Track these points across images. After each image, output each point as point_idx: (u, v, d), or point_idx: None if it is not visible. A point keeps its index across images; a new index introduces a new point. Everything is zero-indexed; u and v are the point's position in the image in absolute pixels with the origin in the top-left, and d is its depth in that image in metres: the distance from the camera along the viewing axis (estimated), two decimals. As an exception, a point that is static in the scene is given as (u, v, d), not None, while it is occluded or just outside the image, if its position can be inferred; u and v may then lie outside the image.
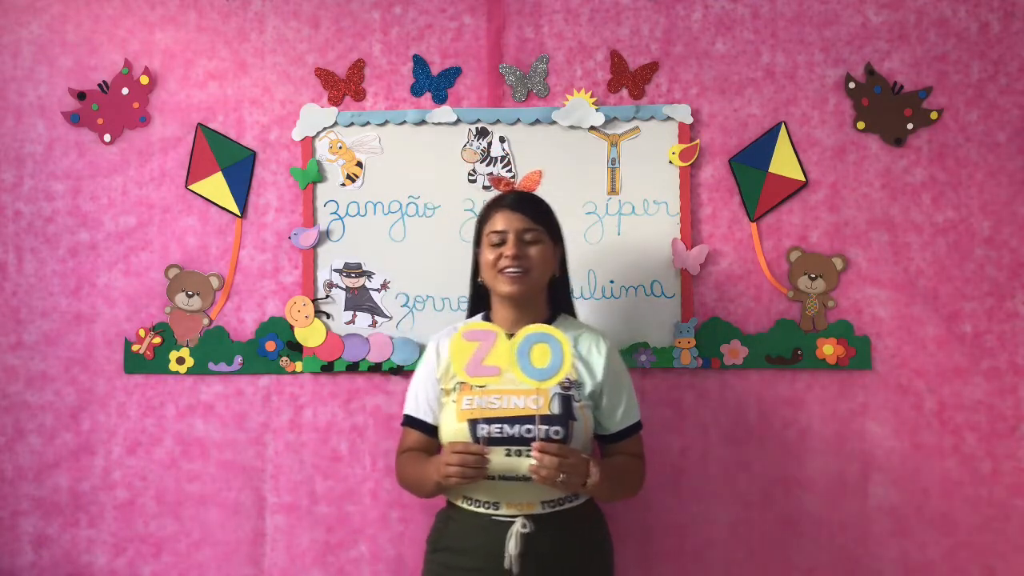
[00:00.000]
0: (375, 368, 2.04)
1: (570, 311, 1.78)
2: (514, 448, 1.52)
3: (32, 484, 2.07)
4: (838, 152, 2.03)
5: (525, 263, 1.61)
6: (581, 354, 1.65)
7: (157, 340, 2.06)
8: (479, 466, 1.48)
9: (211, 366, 2.05)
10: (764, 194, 2.03)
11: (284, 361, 2.05)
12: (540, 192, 2.04)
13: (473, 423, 1.54)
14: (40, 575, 2.06)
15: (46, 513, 2.06)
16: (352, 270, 2.07)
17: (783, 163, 2.02)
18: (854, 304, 2.01)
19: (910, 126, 2.01)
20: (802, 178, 2.02)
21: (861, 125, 2.02)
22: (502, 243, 1.63)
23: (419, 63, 2.07)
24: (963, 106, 2.01)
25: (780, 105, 2.04)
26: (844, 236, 2.01)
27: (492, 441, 1.52)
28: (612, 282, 2.04)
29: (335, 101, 2.08)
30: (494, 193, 2.06)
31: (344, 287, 2.07)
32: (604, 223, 2.05)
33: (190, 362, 2.05)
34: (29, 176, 2.10)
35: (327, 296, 2.06)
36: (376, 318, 2.06)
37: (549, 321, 1.67)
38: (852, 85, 2.02)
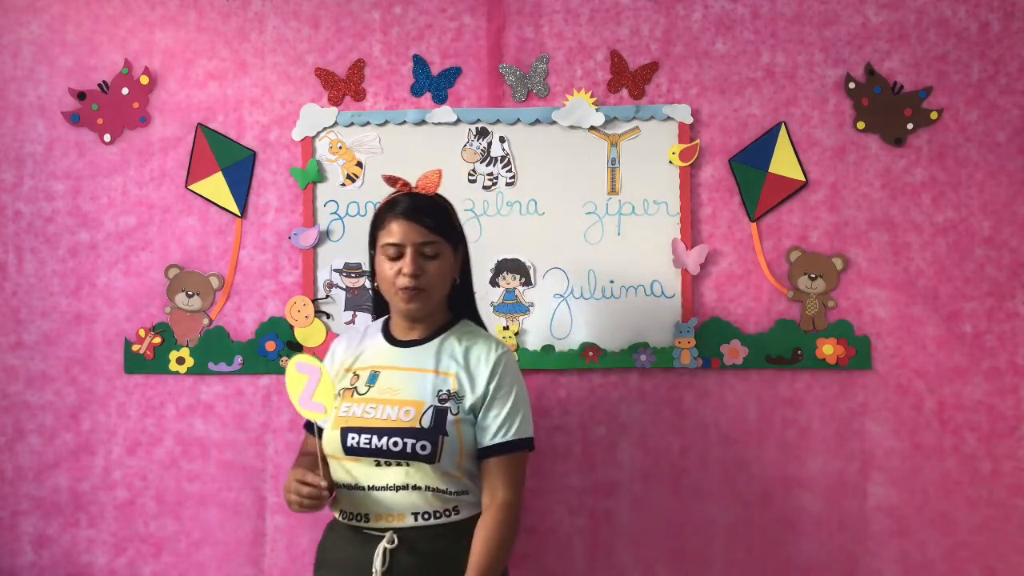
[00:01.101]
0: (375, 368, 2.04)
1: (472, 315, 1.67)
2: (384, 459, 1.46)
3: (32, 484, 2.07)
4: (838, 152, 2.03)
5: (423, 281, 1.51)
6: (468, 364, 1.53)
7: (157, 340, 2.06)
8: (316, 498, 1.42)
9: (211, 366, 2.05)
10: (764, 194, 2.03)
11: (284, 361, 2.05)
12: (539, 191, 2.04)
13: (344, 431, 1.48)
14: (40, 575, 2.06)
15: (46, 513, 2.06)
16: (352, 270, 2.07)
17: (783, 163, 2.02)
18: (854, 304, 2.01)
19: (910, 126, 2.01)
20: (802, 178, 2.02)
21: (861, 125, 2.02)
22: (399, 256, 1.51)
23: (419, 63, 2.07)
24: (963, 106, 2.01)
25: (780, 105, 2.04)
26: (844, 236, 2.01)
27: (361, 452, 1.46)
28: (612, 282, 2.04)
29: (335, 101, 2.08)
30: (494, 193, 2.06)
31: (344, 287, 2.07)
32: (604, 223, 2.05)
33: (190, 362, 2.05)
34: (29, 176, 2.10)
35: (327, 296, 2.07)
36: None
37: (445, 328, 1.59)
38: (852, 85, 2.02)
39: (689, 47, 2.05)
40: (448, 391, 1.50)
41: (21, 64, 2.11)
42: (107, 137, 2.09)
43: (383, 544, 1.45)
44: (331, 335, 2.04)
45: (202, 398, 2.06)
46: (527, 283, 2.05)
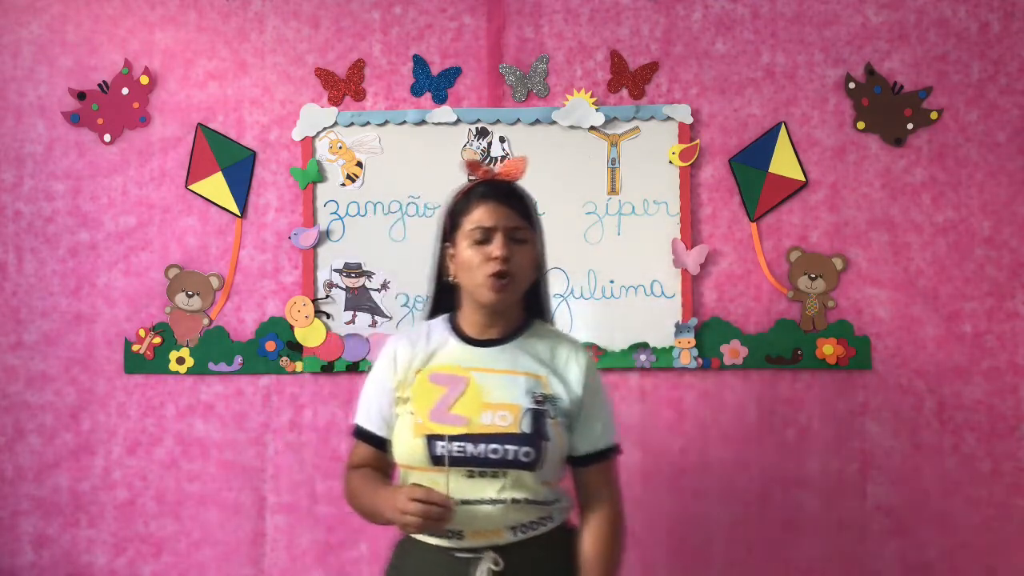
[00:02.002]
0: (375, 368, 2.04)
1: (545, 316, 1.53)
2: (478, 469, 1.32)
3: (32, 484, 2.07)
4: (838, 152, 2.03)
5: (513, 265, 1.37)
6: (558, 367, 1.43)
7: (157, 340, 2.06)
8: (442, 519, 1.26)
9: (211, 366, 2.05)
10: (764, 194, 2.03)
11: (284, 361, 2.05)
12: (539, 191, 2.04)
13: (431, 439, 1.33)
14: (40, 575, 2.06)
15: (46, 513, 2.06)
16: (352, 270, 2.07)
17: (783, 163, 2.02)
18: (854, 304, 2.01)
19: (910, 126, 2.01)
20: (802, 178, 2.02)
21: (861, 125, 2.02)
22: (487, 241, 1.38)
23: (419, 63, 2.07)
24: (963, 106, 2.01)
25: (780, 105, 2.04)
26: (844, 236, 2.02)
27: (452, 461, 1.32)
28: (612, 282, 2.04)
29: (335, 101, 2.08)
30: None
31: (344, 287, 2.07)
32: (604, 223, 2.05)
33: (190, 362, 2.05)
34: (29, 176, 2.10)
35: (327, 296, 2.07)
36: (376, 318, 2.06)
37: (522, 329, 1.46)
38: (852, 85, 2.02)
39: (689, 47, 2.05)
40: (543, 393, 1.39)
41: (21, 64, 2.11)
42: (107, 137, 2.09)
43: (487, 566, 1.32)
44: (331, 335, 2.04)
45: (202, 398, 2.06)
46: (527, 283, 2.05)
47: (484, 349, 1.42)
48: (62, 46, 2.11)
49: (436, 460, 1.33)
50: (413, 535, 1.38)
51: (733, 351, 2.01)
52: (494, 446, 1.32)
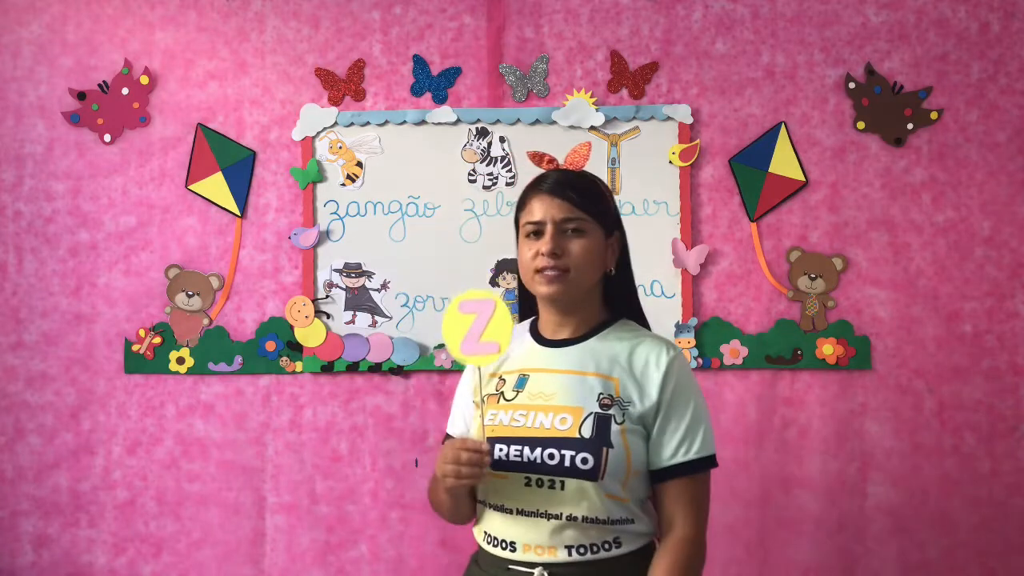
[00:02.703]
0: (375, 368, 2.04)
1: (634, 314, 1.42)
2: (535, 476, 1.24)
3: (32, 484, 2.07)
4: (838, 152, 2.03)
5: (565, 261, 1.29)
6: (634, 368, 1.30)
7: (157, 340, 2.06)
8: (475, 463, 1.20)
9: (211, 366, 2.05)
10: (764, 194, 2.03)
11: (284, 361, 2.05)
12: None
13: (491, 442, 1.26)
14: (40, 575, 2.06)
15: (46, 513, 2.06)
16: (352, 270, 2.07)
17: (783, 163, 2.02)
18: (854, 304, 2.01)
19: (910, 126, 2.01)
20: (802, 178, 2.02)
21: (861, 125, 2.02)
22: (539, 235, 1.32)
23: (419, 63, 2.07)
24: (963, 106, 2.01)
25: (780, 105, 2.04)
26: (844, 236, 2.02)
27: (509, 466, 1.25)
28: (612, 282, 2.04)
29: (335, 101, 2.08)
30: (494, 193, 2.06)
31: (344, 287, 2.07)
32: (604, 223, 2.04)
33: (190, 362, 2.05)
34: (29, 176, 2.10)
35: (327, 296, 2.06)
36: (376, 318, 2.06)
37: (604, 327, 1.36)
38: (852, 85, 2.02)
39: (689, 47, 2.05)
40: (611, 396, 1.27)
41: (21, 64, 2.11)
42: (107, 137, 2.09)
43: None
44: (331, 335, 2.04)
45: (202, 398, 2.06)
46: (527, 283, 2.04)
47: (555, 349, 1.34)
48: (62, 46, 2.11)
49: (496, 464, 1.25)
50: (476, 536, 1.35)
51: (733, 351, 2.01)
52: (551, 451, 1.22)
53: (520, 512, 1.25)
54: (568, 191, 1.33)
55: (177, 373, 2.06)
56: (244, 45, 2.10)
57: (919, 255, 2.00)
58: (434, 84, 2.07)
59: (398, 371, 2.04)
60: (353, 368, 2.04)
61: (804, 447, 2.00)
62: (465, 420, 1.41)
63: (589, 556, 1.24)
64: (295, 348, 2.05)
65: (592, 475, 1.21)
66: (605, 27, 2.06)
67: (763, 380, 2.01)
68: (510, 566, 1.26)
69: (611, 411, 1.25)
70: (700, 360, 2.00)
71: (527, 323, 1.44)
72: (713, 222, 2.04)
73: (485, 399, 1.32)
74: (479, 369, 1.32)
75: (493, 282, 2.04)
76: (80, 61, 2.11)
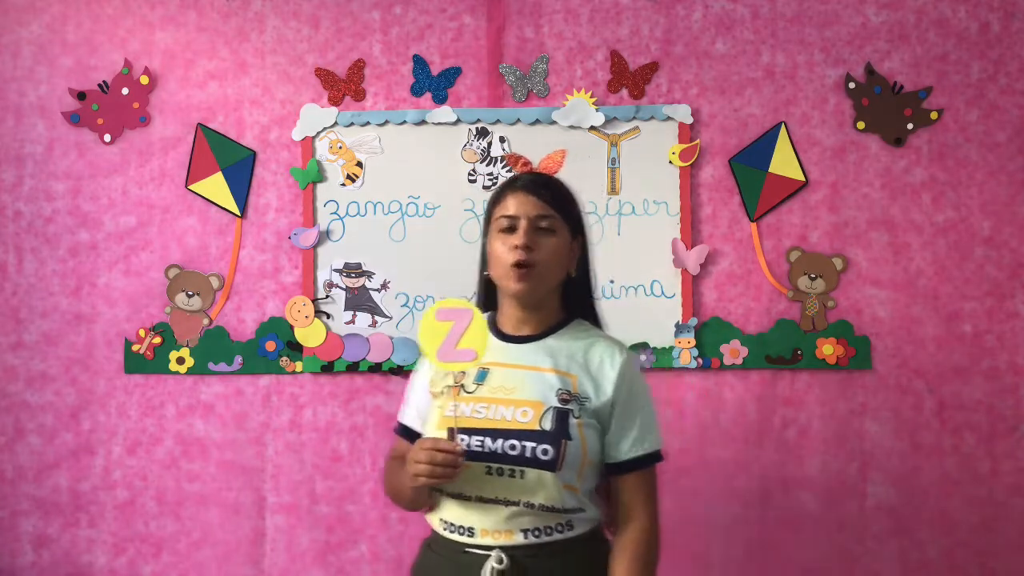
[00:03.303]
0: (375, 368, 2.04)
1: (591, 316, 1.51)
2: (496, 465, 1.30)
3: (32, 484, 2.07)
4: (838, 152, 2.03)
5: (536, 256, 1.36)
6: (590, 366, 1.38)
7: (157, 340, 2.06)
8: (450, 465, 1.25)
9: (211, 366, 2.05)
10: (764, 194, 2.03)
11: (284, 361, 2.05)
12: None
13: (452, 433, 1.30)
14: (40, 575, 2.06)
15: (46, 513, 2.06)
16: (352, 270, 2.07)
17: (783, 163, 2.02)
18: (854, 304, 2.01)
19: (910, 126, 2.01)
20: (802, 178, 2.03)
21: (861, 125, 2.02)
22: (512, 230, 1.38)
23: (419, 63, 2.07)
24: (963, 106, 2.01)
25: (780, 105, 2.04)
26: (844, 236, 2.02)
27: (471, 456, 1.30)
28: (612, 282, 2.04)
29: (335, 101, 2.08)
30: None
31: (344, 287, 2.07)
32: (604, 223, 2.05)
33: (190, 362, 2.05)
34: (29, 176, 2.10)
35: (327, 296, 2.07)
36: (376, 318, 2.06)
37: (561, 326, 1.43)
38: (852, 85, 2.02)
39: (689, 47, 2.05)
40: (569, 391, 1.35)
41: (21, 64, 2.11)
42: (107, 137, 2.09)
43: (491, 564, 1.30)
44: (331, 335, 2.04)
45: (202, 398, 2.06)
46: (527, 283, 2.05)
47: (516, 345, 1.41)
48: (62, 46, 2.11)
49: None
50: (430, 522, 1.41)
51: (733, 351, 2.01)
52: (512, 442, 1.30)
53: (479, 499, 1.32)
54: (542, 190, 1.40)
55: (177, 373, 2.06)
56: (244, 45, 2.10)
57: (919, 255, 2.00)
58: (434, 84, 2.07)
59: (398, 371, 2.04)
60: (353, 368, 2.04)
61: (804, 447, 2.00)
62: (419, 410, 1.45)
63: (544, 539, 1.32)
64: (295, 348, 2.05)
65: (551, 466, 1.28)
66: (605, 27, 2.06)
67: (763, 380, 2.01)
68: (467, 549, 1.33)
69: (570, 406, 1.33)
70: (700, 360, 2.00)
71: (485, 317, 1.46)
72: (713, 222, 2.04)
73: (446, 391, 1.37)
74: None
75: (493, 282, 2.04)
76: (80, 61, 2.11)
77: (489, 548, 1.32)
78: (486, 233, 1.46)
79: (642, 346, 2.01)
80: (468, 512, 1.33)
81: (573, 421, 1.32)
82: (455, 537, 1.35)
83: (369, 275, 2.07)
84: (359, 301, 2.07)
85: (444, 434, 1.31)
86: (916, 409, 1.99)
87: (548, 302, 1.43)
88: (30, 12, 2.11)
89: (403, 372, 2.03)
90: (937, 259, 2.00)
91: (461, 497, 1.33)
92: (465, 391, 1.37)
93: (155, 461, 2.06)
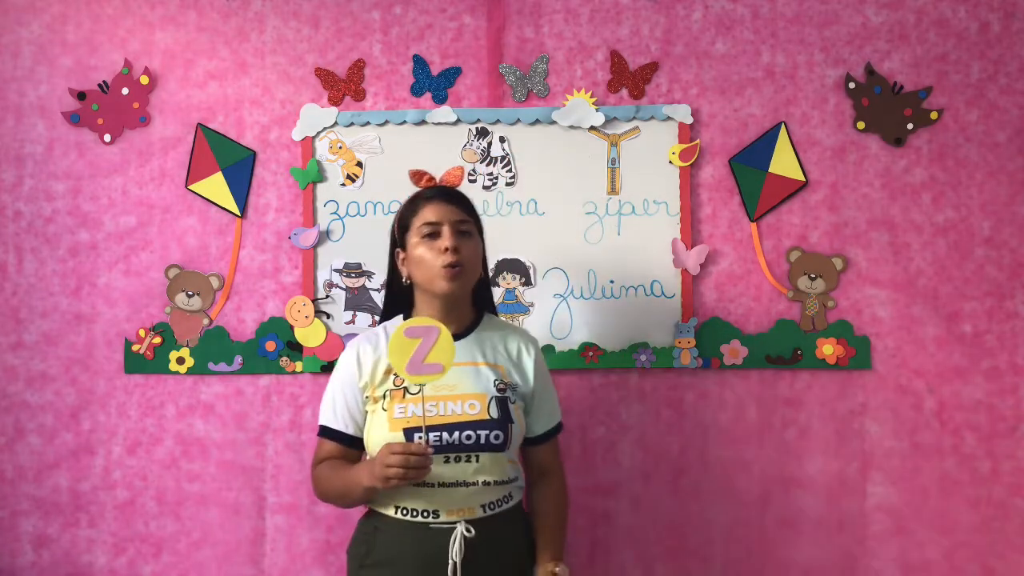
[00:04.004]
0: (375, 368, 2.04)
1: (492, 310, 1.73)
2: (453, 454, 1.48)
3: (32, 484, 2.07)
4: (838, 152, 2.03)
5: (463, 257, 1.52)
6: (511, 355, 1.61)
7: (157, 340, 2.06)
8: (422, 466, 1.38)
9: (211, 366, 2.05)
10: (764, 194, 2.03)
11: (284, 361, 2.05)
12: (539, 191, 2.05)
13: (409, 432, 1.48)
14: (40, 575, 2.06)
15: (46, 513, 2.06)
16: (352, 270, 2.07)
17: (783, 163, 2.02)
18: (854, 304, 2.01)
19: (910, 126, 2.01)
20: (802, 178, 2.03)
21: (861, 125, 2.02)
22: (435, 235, 1.53)
23: (419, 63, 2.07)
24: (963, 106, 2.01)
25: (780, 105, 2.04)
26: (844, 236, 2.02)
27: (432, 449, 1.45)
28: (612, 282, 2.04)
29: (335, 101, 2.08)
30: (494, 193, 2.06)
31: (344, 287, 2.07)
32: (604, 223, 2.05)
33: (190, 362, 2.05)
34: (29, 176, 2.10)
35: (327, 296, 2.07)
36: (376, 318, 2.06)
37: (476, 322, 1.63)
38: (852, 85, 2.02)
39: (689, 47, 2.05)
40: (503, 381, 1.56)
41: (21, 64, 2.11)
42: (107, 137, 2.09)
43: (460, 532, 1.48)
44: (331, 335, 2.04)
45: (202, 398, 2.06)
46: (527, 283, 2.05)
47: None
48: (62, 46, 2.11)
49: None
50: (381, 510, 1.54)
51: (733, 351, 2.01)
52: (467, 432, 1.48)
53: (442, 484, 1.49)
54: (456, 199, 1.59)
55: (177, 373, 2.06)
56: (244, 45, 2.10)
57: (919, 255, 2.00)
58: (434, 84, 2.07)
59: (398, 371, 2.04)
60: (353, 368, 2.04)
61: (804, 447, 2.00)
62: (351, 413, 1.58)
63: (497, 510, 1.54)
64: (295, 348, 2.05)
65: (502, 447, 1.50)
66: (605, 27, 2.06)
67: (763, 380, 2.01)
68: (432, 526, 1.50)
69: (507, 393, 1.55)
70: (700, 360, 2.00)
71: (398, 321, 1.66)
72: (713, 222, 2.04)
73: (389, 395, 1.53)
74: (360, 364, 1.57)
75: (493, 282, 2.04)
76: (80, 61, 2.11)
77: (453, 523, 1.49)
78: (396, 244, 1.63)
79: (642, 346, 2.01)
80: (432, 497, 1.50)
81: (511, 406, 1.54)
82: (417, 519, 1.51)
83: (369, 275, 2.07)
84: (359, 301, 2.07)
85: (398, 435, 1.48)
86: (916, 409, 1.99)
87: (464, 300, 1.62)
88: (30, 12, 2.11)
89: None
90: (937, 259, 2.00)
91: (424, 485, 1.49)
92: (410, 393, 1.52)
93: (155, 461, 2.06)
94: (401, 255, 1.62)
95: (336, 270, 2.07)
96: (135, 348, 2.06)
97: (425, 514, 1.51)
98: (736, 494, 2.00)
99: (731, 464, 2.00)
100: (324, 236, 2.07)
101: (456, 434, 1.48)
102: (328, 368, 2.04)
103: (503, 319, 1.69)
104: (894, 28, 2.03)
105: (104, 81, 2.10)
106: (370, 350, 1.60)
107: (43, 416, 2.07)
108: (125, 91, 2.09)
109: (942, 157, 2.01)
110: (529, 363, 1.62)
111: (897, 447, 1.98)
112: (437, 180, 1.67)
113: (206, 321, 2.07)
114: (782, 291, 2.02)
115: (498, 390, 1.54)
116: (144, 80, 2.09)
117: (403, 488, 1.48)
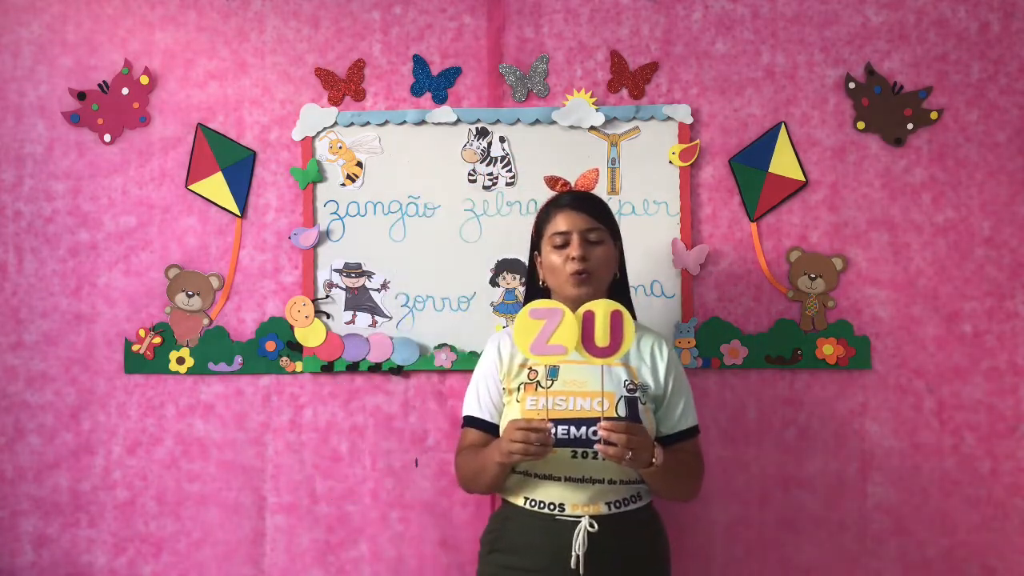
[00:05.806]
0: (375, 368, 2.04)
1: (630, 310, 1.67)
2: (580, 450, 1.52)
3: (32, 484, 2.07)
4: (838, 152, 2.03)
5: (591, 264, 1.59)
6: (643, 356, 1.64)
7: (157, 340, 2.06)
8: (543, 443, 1.44)
9: (211, 366, 2.05)
10: (764, 194, 2.03)
11: (284, 361, 2.05)
12: (539, 191, 2.05)
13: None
14: (40, 575, 2.06)
15: (46, 513, 2.06)
16: (352, 270, 2.07)
17: (783, 163, 2.02)
18: (854, 304, 2.01)
19: (910, 126, 2.01)
20: (802, 178, 2.03)
21: (861, 125, 2.02)
22: (565, 244, 1.61)
23: (419, 63, 2.07)
24: (963, 106, 2.01)
25: (780, 105, 2.04)
26: (844, 236, 2.02)
27: (558, 443, 1.49)
28: (612, 282, 2.04)
29: (335, 101, 2.08)
30: (494, 193, 2.06)
31: (344, 287, 2.07)
32: (604, 223, 2.05)
33: (190, 362, 2.05)
34: (29, 176, 2.10)
35: (327, 296, 2.07)
36: (376, 318, 2.06)
37: None
38: (852, 85, 2.02)
39: (689, 47, 2.05)
40: (634, 382, 1.59)
41: (21, 64, 2.11)
42: (107, 137, 2.09)
43: (583, 526, 1.51)
44: (331, 335, 2.04)
45: (202, 398, 2.06)
46: (527, 283, 2.05)
47: None
48: (62, 46, 2.11)
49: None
50: (512, 500, 1.60)
51: (733, 351, 2.01)
52: (594, 428, 1.47)
53: (568, 479, 1.54)
54: (587, 206, 1.63)
55: (177, 373, 2.06)
56: (244, 45, 2.10)
57: (919, 255, 2.00)
58: (434, 84, 2.07)
59: (398, 371, 2.04)
60: (353, 368, 2.04)
61: (803, 447, 2.00)
62: (493, 402, 1.65)
63: (623, 509, 1.57)
64: (295, 348, 2.05)
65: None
66: (605, 27, 2.06)
67: (763, 380, 2.01)
68: (558, 518, 1.55)
69: (636, 394, 1.58)
70: (700, 360, 2.00)
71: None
72: (713, 222, 2.04)
73: (522, 387, 1.59)
74: (500, 356, 1.64)
75: (493, 282, 2.04)
76: (80, 61, 2.11)
77: (578, 517, 1.53)
78: (534, 248, 1.70)
79: (642, 346, 2.02)
80: (560, 490, 1.55)
81: (641, 407, 1.57)
82: (544, 511, 1.56)
83: (369, 275, 2.07)
84: (359, 301, 2.07)
85: None
86: (916, 409, 1.99)
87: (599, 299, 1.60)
88: (30, 12, 2.11)
89: (403, 372, 2.03)
90: (937, 259, 2.00)
91: (551, 478, 1.55)
92: (541, 386, 1.57)
93: (155, 461, 2.06)
94: (538, 258, 1.68)
95: (336, 270, 2.07)
96: (135, 348, 2.06)
97: (551, 506, 1.55)
98: (736, 494, 2.00)
99: (731, 464, 2.00)
100: (324, 236, 2.07)
101: (583, 429, 1.49)
102: (328, 368, 2.04)
103: (639, 322, 1.70)
104: (894, 28, 2.03)
105: (104, 81, 2.10)
106: (508, 343, 1.67)
107: (43, 416, 2.07)
108: (125, 91, 2.09)
109: (942, 157, 2.01)
110: (662, 365, 1.64)
111: (897, 447, 1.98)
112: (572, 185, 1.73)
113: (206, 321, 2.07)
114: (782, 291, 2.02)
115: (628, 390, 1.58)
116: (144, 80, 2.09)
117: (532, 480, 1.56)
